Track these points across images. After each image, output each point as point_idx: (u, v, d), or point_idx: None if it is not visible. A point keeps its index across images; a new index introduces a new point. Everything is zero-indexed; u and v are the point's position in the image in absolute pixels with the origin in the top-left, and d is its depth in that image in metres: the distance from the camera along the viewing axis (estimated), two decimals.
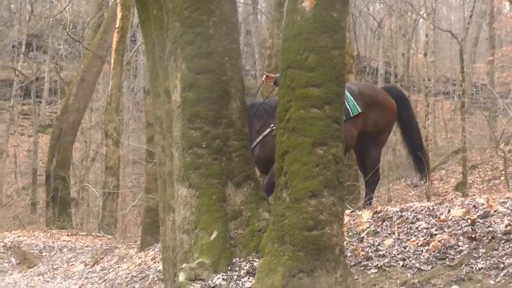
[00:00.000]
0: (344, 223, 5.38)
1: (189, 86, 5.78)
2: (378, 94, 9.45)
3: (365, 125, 9.07)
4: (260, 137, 8.79)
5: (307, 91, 5.03)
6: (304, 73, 5.10)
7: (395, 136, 31.41)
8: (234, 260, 5.38)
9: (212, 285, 5.01)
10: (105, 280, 11.50)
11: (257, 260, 5.21)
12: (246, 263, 5.33)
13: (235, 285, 5.11)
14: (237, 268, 5.31)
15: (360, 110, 8.97)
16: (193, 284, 4.99)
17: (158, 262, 10.88)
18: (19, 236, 23.05)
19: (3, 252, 22.27)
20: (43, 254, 21.56)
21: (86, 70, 26.07)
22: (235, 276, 5.22)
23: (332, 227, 4.84)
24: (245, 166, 5.74)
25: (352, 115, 8.96)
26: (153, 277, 10.29)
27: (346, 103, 9.00)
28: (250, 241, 5.48)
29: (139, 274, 11.01)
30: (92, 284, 12.12)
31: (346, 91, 9.01)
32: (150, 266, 10.66)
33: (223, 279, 5.10)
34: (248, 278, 5.18)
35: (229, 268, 5.30)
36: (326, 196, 4.84)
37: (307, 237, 4.74)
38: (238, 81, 6.07)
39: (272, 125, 8.71)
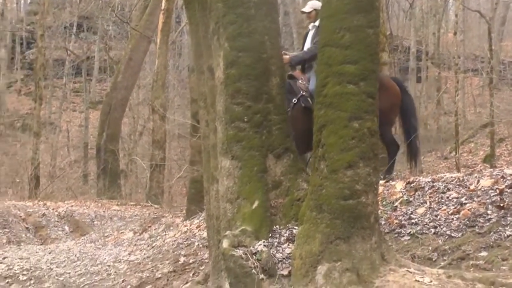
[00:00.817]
0: (378, 192, 5.38)
1: (232, 64, 5.79)
2: (382, 78, 9.39)
3: None
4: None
5: (343, 68, 5.03)
6: (340, 51, 5.09)
7: (426, 110, 31.23)
8: (275, 227, 5.40)
9: (254, 251, 5.04)
10: (153, 247, 11.60)
11: (296, 227, 5.22)
12: (286, 231, 5.35)
13: (275, 251, 5.14)
14: (277, 235, 5.33)
15: None
16: (236, 250, 5.02)
17: (203, 230, 10.94)
18: (72, 206, 23.33)
19: (58, 221, 22.56)
20: (95, 222, 21.81)
21: (134, 49, 26.22)
22: (276, 243, 5.25)
23: (367, 197, 4.85)
24: (285, 139, 5.75)
25: None
26: (198, 244, 10.36)
27: None
28: (289, 209, 5.50)
29: (184, 241, 11.09)
30: (140, 250, 12.22)
31: None
32: (195, 233, 10.73)
33: (264, 245, 5.13)
34: (288, 244, 5.20)
35: (270, 235, 5.32)
36: (362, 167, 4.84)
37: (343, 206, 4.76)
38: (277, 58, 6.07)
39: (294, 101, 8.73)
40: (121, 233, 16.08)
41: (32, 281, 12.67)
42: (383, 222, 6.61)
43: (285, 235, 5.32)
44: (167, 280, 9.69)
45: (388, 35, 18.66)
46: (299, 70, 9.61)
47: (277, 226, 5.42)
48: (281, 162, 5.67)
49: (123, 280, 10.48)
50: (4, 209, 22.99)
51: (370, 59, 5.11)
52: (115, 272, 11.46)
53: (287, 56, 9.37)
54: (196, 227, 10.45)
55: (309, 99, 8.86)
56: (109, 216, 22.13)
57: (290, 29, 35.90)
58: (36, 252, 15.52)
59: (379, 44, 5.61)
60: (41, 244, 19.58)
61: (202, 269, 8.69)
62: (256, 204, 5.43)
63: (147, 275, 10.09)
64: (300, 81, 9.17)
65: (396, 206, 7.45)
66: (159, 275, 9.32)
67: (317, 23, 9.22)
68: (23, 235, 22.33)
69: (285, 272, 4.95)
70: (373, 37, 5.17)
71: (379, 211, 5.17)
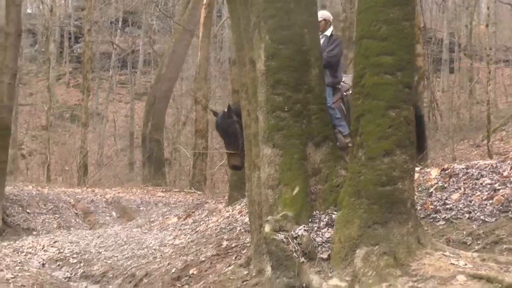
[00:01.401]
0: (414, 179, 5.38)
1: (272, 56, 5.81)
2: None
3: None
4: None
5: (380, 59, 5.03)
6: (377, 42, 5.09)
7: (459, 100, 30.95)
8: (314, 213, 5.42)
9: (294, 236, 5.07)
10: (196, 231, 11.67)
11: (335, 213, 5.24)
12: (325, 216, 5.37)
13: (315, 236, 5.16)
14: (317, 220, 5.36)
15: None
16: (277, 235, 5.06)
17: (244, 215, 10.99)
18: (119, 193, 23.54)
19: (105, 207, 22.77)
20: (141, 208, 21.99)
21: (177, 43, 26.34)
22: (316, 227, 5.28)
23: (403, 183, 4.85)
24: (324, 127, 5.77)
25: None
26: (240, 229, 10.41)
27: None
28: (328, 195, 5.52)
29: (227, 226, 11.15)
30: (185, 235, 12.30)
31: None
32: (237, 219, 10.78)
33: (304, 230, 5.16)
34: (327, 229, 5.22)
35: (310, 220, 5.35)
36: (398, 154, 4.85)
37: (381, 192, 4.77)
38: (316, 50, 6.08)
39: None
40: (166, 218, 16.19)
41: (81, 264, 12.83)
42: (418, 208, 6.59)
43: (324, 220, 5.34)
44: (211, 263, 9.75)
45: (422, 27, 18.57)
46: None
47: (317, 212, 5.45)
48: (321, 150, 5.69)
49: (168, 263, 10.57)
50: (55, 196, 23.26)
51: (406, 50, 5.11)
52: (161, 255, 11.56)
53: None
54: (238, 213, 10.50)
55: None
56: (154, 202, 22.30)
57: None
58: (85, 237, 15.67)
59: (414, 36, 5.59)
60: (89, 229, 19.83)
61: (244, 252, 8.74)
62: (296, 190, 5.46)
63: (192, 258, 10.16)
64: None
65: (431, 192, 7.42)
66: (203, 259, 9.39)
67: (327, 32, 9.23)
68: (73, 220, 22.59)
69: (324, 256, 4.98)
70: (409, 29, 5.17)
71: (415, 196, 5.16)
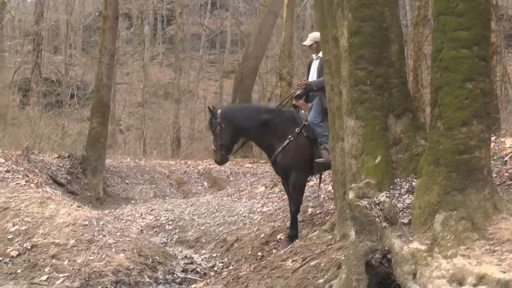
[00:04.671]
0: (490, 148, 5.34)
1: (355, 33, 5.81)
2: None
3: None
4: (282, 146, 9.06)
5: (457, 34, 4.99)
6: (454, 18, 5.04)
7: None
8: (395, 180, 5.43)
9: (377, 202, 5.10)
10: (283, 199, 11.77)
11: (415, 180, 5.24)
12: (406, 183, 5.38)
13: (396, 202, 5.18)
14: (398, 187, 5.36)
15: None
16: (361, 201, 5.09)
17: (327, 184, 11.05)
18: (209, 164, 23.89)
19: (197, 177, 23.16)
20: (230, 178, 22.28)
21: (262, 23, 26.45)
22: (397, 194, 5.29)
23: (480, 151, 4.82)
24: (404, 100, 5.75)
25: None
26: (323, 197, 10.48)
27: None
28: (409, 164, 5.51)
29: (311, 194, 11.22)
30: (272, 202, 12.44)
31: None
32: (320, 187, 10.84)
33: (386, 196, 5.18)
34: (408, 195, 5.23)
35: (391, 187, 5.36)
36: (475, 124, 4.81)
37: (459, 160, 4.76)
38: (396, 27, 6.05)
39: (290, 136, 8.98)
40: (254, 187, 16.36)
41: (176, 230, 13.10)
42: (494, 175, 6.52)
43: (405, 187, 5.35)
44: None
45: (495, 5, 18.10)
46: (303, 100, 9.59)
47: (398, 179, 5.45)
48: (401, 121, 5.68)
49: (257, 229, 10.73)
50: (151, 168, 23.78)
51: (483, 25, 5.05)
52: (250, 222, 11.74)
53: (302, 82, 9.41)
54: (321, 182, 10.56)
55: (310, 128, 8.93)
56: (243, 173, 22.56)
57: (403, 2, 35.27)
58: (180, 205, 15.98)
59: (489, 12, 5.51)
60: (183, 198, 20.21)
61: (328, 219, 8.81)
62: (378, 159, 5.48)
63: (279, 224, 10.30)
64: (302, 111, 9.22)
65: (506, 161, 7.33)
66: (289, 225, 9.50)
67: (320, 54, 9.15)
68: (168, 190, 23.07)
69: (405, 221, 5.00)
70: (485, 5, 5.10)
71: (491, 165, 5.12)
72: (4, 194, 11.43)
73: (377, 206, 5.07)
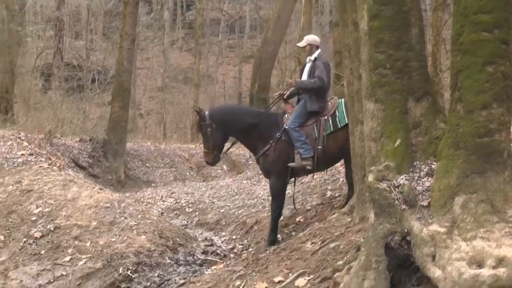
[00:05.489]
0: (510, 131, 5.30)
1: (375, 16, 5.77)
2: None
3: (346, 140, 8.43)
4: (263, 150, 9.11)
5: (478, 17, 4.93)
6: (475, 1, 4.98)
7: None
8: (415, 163, 5.41)
9: (396, 185, 5.09)
10: (302, 183, 11.77)
11: (435, 163, 5.21)
12: (425, 166, 5.35)
13: (416, 185, 5.16)
14: (418, 170, 5.34)
15: (346, 122, 8.54)
16: (380, 184, 5.08)
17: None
18: (229, 148, 23.89)
19: None
20: (249, 162, 22.30)
21: (282, 8, 26.34)
22: (416, 177, 5.27)
23: (500, 134, 4.79)
24: (424, 83, 5.71)
25: (339, 127, 8.71)
26: (342, 180, 10.45)
27: (337, 113, 8.73)
28: (428, 147, 5.48)
29: (330, 177, 11.21)
30: (291, 186, 12.44)
31: (342, 102, 8.78)
32: (339, 170, 10.82)
33: (406, 179, 5.17)
34: (427, 178, 5.21)
35: (411, 170, 5.34)
36: (495, 107, 4.77)
37: (478, 143, 4.72)
38: (416, 10, 6.00)
39: (272, 141, 9.01)
40: None
41: (197, 213, 13.16)
42: None
43: (424, 170, 5.32)
44: (316, 211, 9.87)
45: None
46: (291, 104, 9.58)
47: (417, 162, 5.43)
48: (420, 104, 5.64)
49: None
50: (171, 151, 23.86)
51: (503, 8, 4.98)
52: (270, 205, 11.77)
53: (293, 81, 9.40)
54: (340, 165, 10.54)
55: (288, 132, 8.94)
56: None
57: None
58: (199, 188, 16.04)
59: None
60: (203, 181, 20.27)
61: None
62: (398, 142, 5.46)
63: (298, 207, 10.30)
64: (286, 116, 9.17)
65: None
66: (309, 207, 9.53)
67: (312, 57, 9.11)
68: (187, 173, 23.16)
69: (425, 203, 4.98)
70: None
71: (511, 148, 5.09)
72: (27, 177, 11.55)
73: (396, 188, 5.06)
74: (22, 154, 12.95)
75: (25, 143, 14.21)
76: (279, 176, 9.03)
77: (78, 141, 20.40)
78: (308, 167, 8.77)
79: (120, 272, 8.58)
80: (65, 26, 35.09)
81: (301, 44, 9.49)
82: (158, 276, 8.58)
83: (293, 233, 8.84)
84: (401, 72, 5.64)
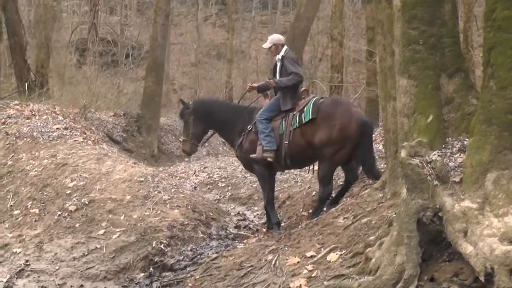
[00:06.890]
0: None
1: None
2: (336, 113, 8.59)
3: (312, 136, 8.57)
4: (238, 142, 9.36)
5: None
6: None
7: None
8: (447, 139, 5.40)
9: (429, 160, 5.08)
10: None
11: (467, 139, 5.20)
12: (458, 142, 5.34)
13: (448, 161, 5.16)
14: (450, 146, 5.33)
15: (311, 117, 8.56)
16: (413, 160, 5.08)
17: (378, 143, 10.99)
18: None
19: None
20: None
21: None
22: (448, 153, 5.26)
23: None
24: (457, 59, 5.67)
25: (304, 122, 8.64)
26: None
27: (305, 109, 8.67)
28: (460, 123, 5.47)
29: None
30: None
31: (313, 100, 8.80)
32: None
33: (438, 155, 5.15)
34: (460, 154, 5.20)
35: (443, 146, 5.33)
36: None
37: (511, 120, 4.69)
38: None
39: (244, 133, 9.30)
40: None
41: (229, 187, 13.23)
42: None
43: (457, 146, 5.31)
44: None
45: None
46: (269, 98, 9.74)
47: (450, 138, 5.42)
48: (453, 81, 5.62)
49: (309, 187, 10.78)
50: None
51: None
52: (302, 180, 11.79)
53: (255, 85, 9.43)
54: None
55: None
56: None
57: None
58: (232, 163, 16.10)
59: None
60: (235, 156, 20.31)
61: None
62: (430, 118, 5.44)
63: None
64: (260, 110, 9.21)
65: None
66: (340, 183, 9.51)
67: (280, 55, 9.21)
68: (220, 148, 23.24)
69: (457, 179, 4.97)
70: None
71: None
72: (62, 151, 11.69)
73: (428, 164, 5.05)
74: (57, 128, 13.09)
75: (60, 117, 14.37)
76: (258, 163, 9.13)
77: (112, 116, 20.58)
78: (270, 159, 8.83)
79: (154, 245, 8.69)
80: (100, 1, 35.21)
81: (265, 45, 9.48)
82: (190, 250, 8.67)
83: (325, 208, 8.84)
84: (434, 48, 5.61)
